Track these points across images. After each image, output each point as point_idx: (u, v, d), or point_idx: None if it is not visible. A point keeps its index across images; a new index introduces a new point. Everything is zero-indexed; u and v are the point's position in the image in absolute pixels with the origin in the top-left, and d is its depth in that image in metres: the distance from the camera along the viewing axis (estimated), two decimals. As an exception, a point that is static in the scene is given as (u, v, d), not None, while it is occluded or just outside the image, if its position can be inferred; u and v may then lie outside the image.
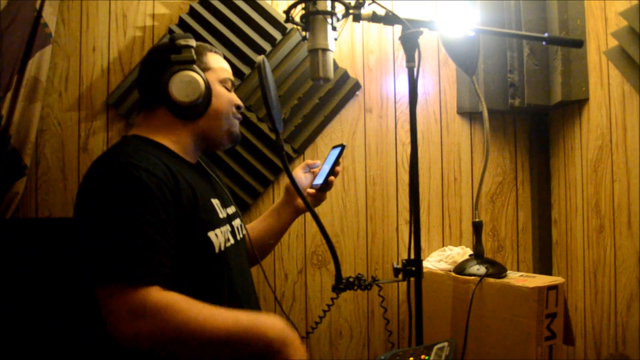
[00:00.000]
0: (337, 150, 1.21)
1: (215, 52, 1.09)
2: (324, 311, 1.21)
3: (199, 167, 1.10)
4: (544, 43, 1.21)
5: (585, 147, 1.66)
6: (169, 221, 0.87)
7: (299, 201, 1.23)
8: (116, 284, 0.79)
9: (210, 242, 0.95)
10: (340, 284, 1.02)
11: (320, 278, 1.81)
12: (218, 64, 1.07)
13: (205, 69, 1.04)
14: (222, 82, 1.07)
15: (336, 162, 1.19)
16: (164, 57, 1.00)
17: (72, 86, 1.69)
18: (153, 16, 1.73)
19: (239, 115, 1.11)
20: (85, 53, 1.69)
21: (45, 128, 1.66)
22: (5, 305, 1.37)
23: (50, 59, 1.59)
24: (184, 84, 0.98)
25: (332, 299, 1.11)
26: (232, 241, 1.05)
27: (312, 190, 1.22)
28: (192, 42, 1.02)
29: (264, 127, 1.73)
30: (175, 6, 1.74)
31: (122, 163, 0.87)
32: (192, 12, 1.70)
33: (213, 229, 0.97)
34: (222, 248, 0.99)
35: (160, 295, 0.80)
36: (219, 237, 0.98)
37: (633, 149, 1.44)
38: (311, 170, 1.28)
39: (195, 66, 1.00)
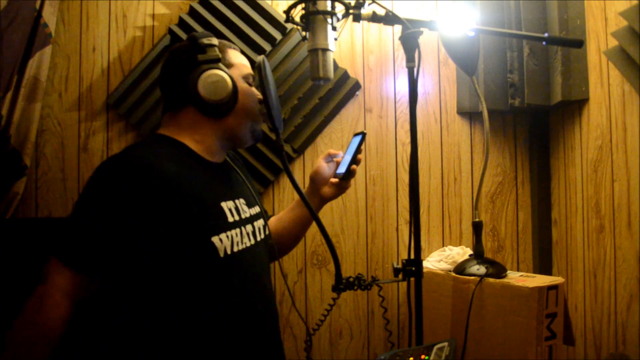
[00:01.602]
0: (358, 138, 1.21)
1: (234, 47, 1.10)
2: (327, 310, 1.21)
3: (222, 167, 1.10)
4: (544, 43, 1.21)
5: (585, 147, 1.66)
6: (126, 220, 0.89)
7: (325, 190, 1.23)
8: (50, 252, 0.90)
9: (213, 247, 0.95)
10: (340, 284, 1.02)
11: (320, 278, 1.81)
12: (239, 60, 1.08)
13: (229, 65, 1.04)
14: (245, 78, 1.07)
15: (358, 151, 1.18)
16: (189, 57, 1.01)
17: (72, 86, 1.69)
18: (153, 16, 1.73)
19: (264, 110, 1.11)
20: (85, 53, 1.69)
21: (45, 128, 1.66)
22: (5, 305, 1.37)
23: (50, 59, 1.59)
24: (212, 83, 0.99)
25: (332, 298, 1.11)
26: (249, 243, 1.05)
27: (335, 180, 1.23)
28: (215, 41, 1.03)
29: (264, 127, 1.72)
30: (175, 6, 1.74)
31: (117, 159, 0.92)
32: (192, 12, 1.70)
33: (218, 233, 0.97)
34: (229, 252, 0.98)
35: (60, 305, 0.88)
36: (225, 241, 0.98)
37: (633, 149, 1.44)
38: (334, 159, 1.28)
39: (221, 64, 1.01)
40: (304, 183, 1.77)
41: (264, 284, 1.10)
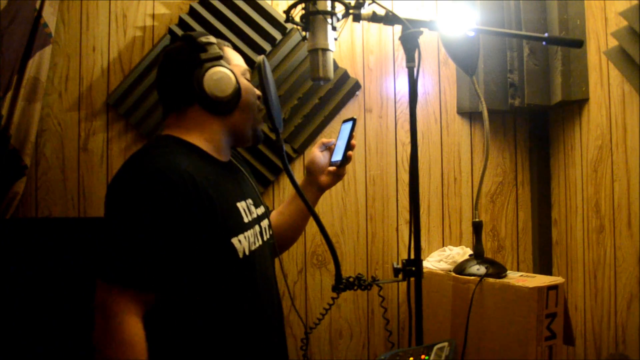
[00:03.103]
0: (348, 124, 1.21)
1: (228, 45, 1.10)
2: (326, 309, 1.21)
3: (230, 166, 1.10)
4: (544, 43, 1.21)
5: (585, 147, 1.66)
6: (174, 230, 0.87)
7: (322, 179, 1.23)
8: (107, 281, 0.84)
9: (233, 249, 0.96)
10: (340, 284, 1.02)
11: (320, 278, 1.81)
12: (235, 57, 1.08)
13: (229, 63, 1.04)
14: (243, 74, 1.07)
15: (350, 136, 1.19)
16: (190, 56, 1.01)
17: (72, 86, 1.69)
18: (153, 16, 1.73)
19: (262, 107, 1.12)
20: (85, 53, 1.69)
21: (45, 128, 1.66)
22: (6, 305, 1.37)
23: (50, 59, 1.59)
24: (218, 80, 0.99)
25: (332, 298, 1.11)
26: (258, 243, 1.05)
27: (332, 168, 1.23)
28: (213, 39, 1.03)
29: (264, 127, 1.73)
30: (175, 6, 1.74)
31: (146, 167, 0.89)
32: (192, 12, 1.70)
33: (237, 234, 0.97)
34: (247, 252, 0.99)
35: (136, 327, 0.84)
36: (243, 242, 0.98)
37: (633, 149, 1.44)
38: (327, 148, 1.28)
39: (223, 61, 1.01)
40: (304, 183, 1.77)
41: (272, 284, 1.11)
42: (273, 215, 1.29)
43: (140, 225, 0.85)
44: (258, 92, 1.10)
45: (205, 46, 1.01)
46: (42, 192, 1.66)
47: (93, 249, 0.89)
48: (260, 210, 1.12)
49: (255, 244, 1.03)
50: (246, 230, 1.01)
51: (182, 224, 0.88)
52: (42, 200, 1.65)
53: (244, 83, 1.05)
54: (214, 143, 1.03)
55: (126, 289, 0.84)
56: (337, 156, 1.21)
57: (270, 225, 1.17)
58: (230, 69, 1.01)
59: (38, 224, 1.55)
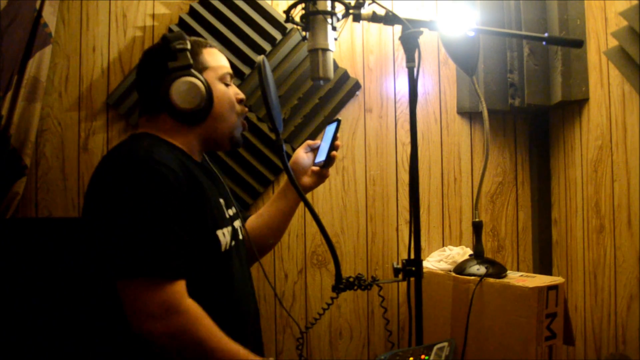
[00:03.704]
0: (333, 126, 1.21)
1: (210, 46, 1.07)
2: (323, 309, 1.21)
3: (204, 166, 1.10)
4: (544, 43, 1.21)
5: (585, 147, 1.66)
6: (185, 216, 0.88)
7: (304, 180, 1.24)
8: (146, 277, 0.81)
9: (217, 240, 0.96)
10: (340, 284, 1.02)
11: (320, 278, 1.81)
12: (215, 60, 1.06)
13: (203, 68, 1.02)
14: (221, 79, 1.05)
15: (334, 137, 1.19)
16: (160, 63, 0.98)
17: (72, 86, 1.69)
18: (153, 16, 1.73)
19: (245, 109, 1.11)
20: (85, 53, 1.69)
21: (45, 128, 1.66)
22: (6, 305, 1.37)
23: (50, 59, 1.59)
24: (184, 91, 0.96)
25: (332, 298, 1.11)
26: (234, 242, 1.05)
27: (316, 168, 1.24)
28: (187, 44, 0.99)
29: (264, 127, 1.73)
30: (175, 6, 1.74)
31: (142, 157, 0.87)
32: (192, 12, 1.70)
33: (221, 227, 0.98)
34: (227, 247, 1.00)
35: (190, 301, 0.84)
36: (226, 236, 0.99)
37: (633, 149, 1.44)
38: (312, 150, 1.28)
39: (192, 70, 0.98)
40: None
41: (248, 284, 1.11)
42: (252, 218, 1.28)
43: (156, 214, 0.83)
44: (240, 95, 1.09)
45: (175, 53, 0.97)
46: (42, 192, 1.66)
47: (102, 250, 0.86)
48: (232, 211, 1.12)
49: (232, 242, 1.04)
50: (227, 226, 1.01)
51: (183, 211, 0.88)
52: (42, 200, 1.65)
53: (219, 90, 1.03)
54: (188, 145, 1.03)
55: (165, 280, 0.81)
56: (321, 157, 1.22)
57: (243, 227, 1.17)
58: (200, 77, 0.98)
59: (38, 224, 1.55)
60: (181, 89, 0.96)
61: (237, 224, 1.12)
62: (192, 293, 0.90)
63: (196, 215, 0.91)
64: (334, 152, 1.20)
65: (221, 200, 1.04)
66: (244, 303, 1.06)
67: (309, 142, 1.28)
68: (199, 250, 0.92)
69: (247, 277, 1.13)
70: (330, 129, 1.22)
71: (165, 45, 0.99)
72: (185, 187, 0.89)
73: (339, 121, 1.20)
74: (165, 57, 0.98)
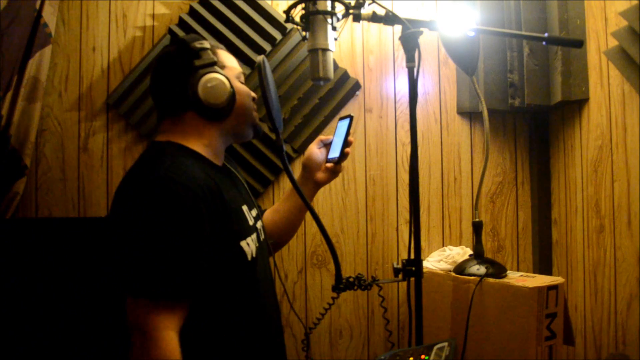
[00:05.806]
0: (345, 122, 1.21)
1: (222, 48, 1.09)
2: (325, 309, 1.21)
3: (226, 170, 1.10)
4: (544, 43, 1.21)
5: (585, 147, 1.66)
6: (201, 237, 0.88)
7: (318, 175, 1.24)
8: (144, 298, 0.84)
9: (242, 252, 0.96)
10: (340, 284, 1.02)
11: (320, 278, 1.81)
12: (229, 60, 1.08)
13: (222, 67, 1.04)
14: (237, 77, 1.07)
15: (347, 133, 1.19)
16: (184, 63, 1.00)
17: (72, 86, 1.69)
18: (153, 16, 1.73)
19: (255, 106, 1.12)
20: (85, 53, 1.69)
21: (45, 128, 1.66)
22: (6, 305, 1.37)
23: (50, 59, 1.59)
24: (212, 88, 0.98)
25: (332, 298, 1.11)
26: (257, 245, 1.06)
27: (329, 165, 1.23)
28: (207, 44, 1.02)
29: (264, 127, 1.73)
30: (175, 6, 1.74)
31: (161, 178, 0.88)
32: (192, 12, 1.70)
33: (245, 237, 0.98)
34: (254, 255, 1.00)
35: (170, 337, 0.83)
36: (250, 245, 0.99)
37: (633, 149, 1.44)
38: (325, 145, 1.28)
39: (217, 67, 1.01)
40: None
41: (271, 284, 1.12)
42: (268, 213, 1.29)
43: (169, 236, 0.85)
44: (253, 93, 1.10)
45: (199, 52, 1.00)
46: (42, 192, 1.66)
47: (117, 265, 0.88)
48: (254, 212, 1.13)
49: (257, 246, 1.04)
50: (252, 234, 1.02)
51: (203, 231, 0.88)
52: (42, 200, 1.66)
53: (238, 87, 1.05)
54: (211, 148, 1.04)
55: (165, 301, 0.83)
56: (334, 153, 1.22)
57: (263, 226, 1.17)
58: (223, 74, 1.01)
59: (38, 224, 1.55)
60: (209, 85, 0.98)
61: (259, 224, 1.12)
62: (219, 307, 0.92)
63: (219, 231, 0.92)
64: (347, 149, 1.20)
65: (244, 208, 1.04)
66: (271, 307, 1.07)
67: (322, 137, 1.28)
68: (224, 264, 0.93)
69: (270, 275, 1.13)
70: (342, 125, 1.22)
71: (186, 46, 1.01)
72: (205, 206, 0.89)
73: (351, 117, 1.20)
74: (189, 57, 1.00)
